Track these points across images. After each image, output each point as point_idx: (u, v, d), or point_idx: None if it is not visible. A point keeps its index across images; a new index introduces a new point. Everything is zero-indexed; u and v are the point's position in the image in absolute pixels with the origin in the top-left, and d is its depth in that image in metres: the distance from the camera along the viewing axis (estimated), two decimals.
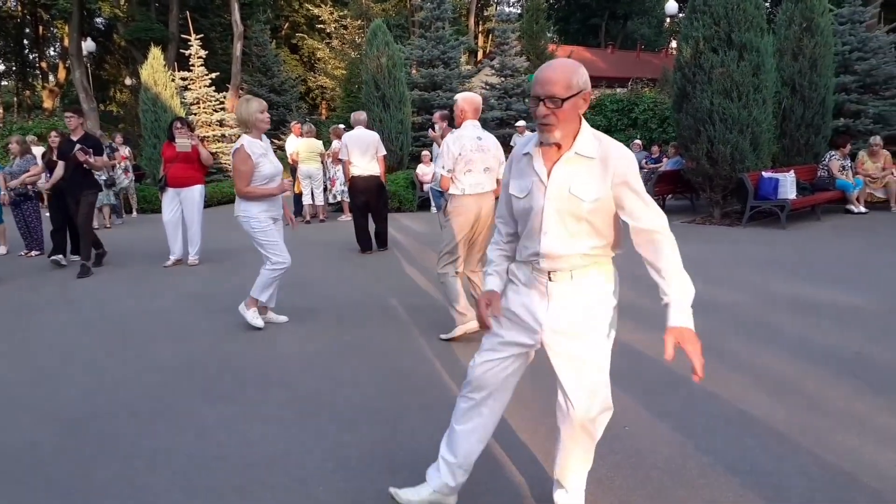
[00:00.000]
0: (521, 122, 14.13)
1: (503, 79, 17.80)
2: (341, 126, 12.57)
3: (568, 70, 1.97)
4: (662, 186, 11.26)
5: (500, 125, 17.10)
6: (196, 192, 7.83)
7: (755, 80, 9.31)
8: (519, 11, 30.97)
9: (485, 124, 16.47)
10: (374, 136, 8.13)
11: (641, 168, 13.70)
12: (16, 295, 6.67)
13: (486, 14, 41.08)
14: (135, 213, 14.16)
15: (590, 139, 2.02)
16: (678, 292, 1.95)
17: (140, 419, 3.42)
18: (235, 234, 10.08)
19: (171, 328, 5.17)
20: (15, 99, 39.51)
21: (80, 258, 7.60)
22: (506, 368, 2.22)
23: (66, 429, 3.34)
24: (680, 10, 25.05)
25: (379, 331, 4.86)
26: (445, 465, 2.34)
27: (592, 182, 1.98)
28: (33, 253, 9.05)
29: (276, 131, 24.60)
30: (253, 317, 4.99)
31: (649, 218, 2.03)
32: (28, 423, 3.44)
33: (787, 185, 9.28)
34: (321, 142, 12.09)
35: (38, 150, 12.95)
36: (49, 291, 6.77)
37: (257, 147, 4.78)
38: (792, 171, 9.57)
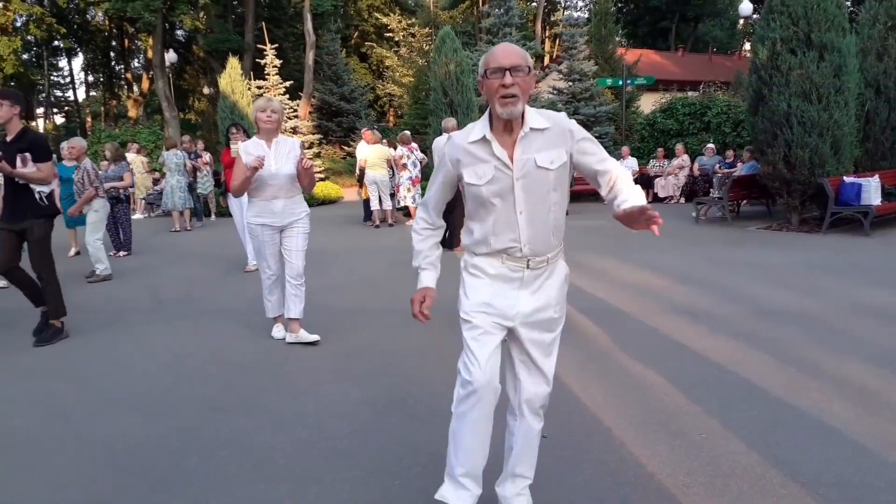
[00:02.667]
0: (408, 132, 14.01)
1: (571, 83, 17.69)
2: (407, 133, 12.76)
3: (521, 49, 2.04)
4: (737, 192, 10.96)
5: None
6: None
7: (836, 81, 8.97)
8: (587, 16, 30.69)
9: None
10: (437, 143, 8.40)
11: (715, 173, 13.36)
12: (102, 292, 7.06)
13: (552, 19, 40.87)
14: (213, 216, 14.73)
15: (535, 114, 2.10)
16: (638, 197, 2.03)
17: (221, 412, 3.59)
18: (316, 237, 10.39)
19: (249, 326, 5.37)
20: (102, 108, 41.69)
21: (46, 313, 5.28)
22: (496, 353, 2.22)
23: (150, 421, 3.53)
24: (755, 10, 24.28)
25: (449, 331, 4.93)
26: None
27: (553, 149, 2.07)
28: (121, 253, 9.56)
29: (346, 138, 25.16)
30: (277, 332, 5.02)
31: (611, 161, 2.14)
32: (115, 415, 3.65)
33: (871, 190, 8.89)
34: (389, 148, 12.30)
35: (131, 157, 13.65)
36: (134, 288, 7.14)
37: (252, 147, 4.60)
38: (876, 176, 9.16)
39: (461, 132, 2.16)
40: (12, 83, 29.99)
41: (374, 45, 33.88)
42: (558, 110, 11.76)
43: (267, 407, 3.62)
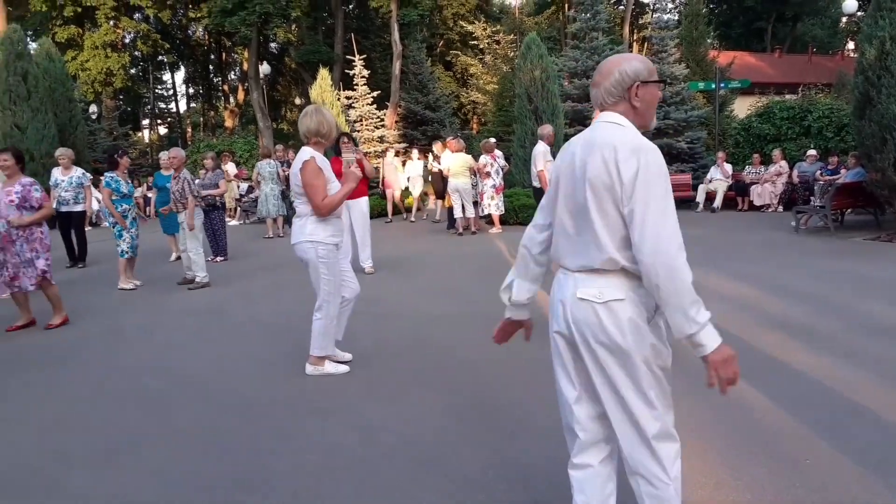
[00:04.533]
0: (492, 140, 13.54)
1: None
2: (492, 140, 12.76)
3: None
4: (841, 200, 10.35)
5: (657, 134, 16.56)
6: (363, 203, 8.26)
7: None
8: (677, 18, 29.89)
9: (642, 133, 15.99)
10: (535, 150, 8.51)
11: (816, 180, 12.68)
12: (200, 297, 7.40)
13: (641, 22, 39.99)
14: None
15: None
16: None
17: (312, 416, 3.68)
18: (400, 244, 10.57)
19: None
20: (201, 119, 43.92)
21: None
22: None
23: (243, 418, 3.66)
24: (860, 8, 22.94)
25: (537, 343, 4.86)
26: None
27: None
28: (218, 259, 10.01)
29: (430, 146, 25.43)
30: (333, 368, 4.43)
31: None
32: (214, 413, 3.81)
33: None
34: (470, 156, 12.34)
35: (228, 167, 14.29)
36: (230, 293, 7.45)
37: (322, 160, 4.23)
38: None
39: (640, 137, 1.92)
40: (121, 96, 32.06)
41: (459, 52, 34.14)
42: None
43: (355, 412, 3.69)
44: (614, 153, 1.82)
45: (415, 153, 15.66)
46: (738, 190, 14.50)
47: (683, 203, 15.15)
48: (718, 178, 14.69)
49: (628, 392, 1.88)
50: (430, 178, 14.56)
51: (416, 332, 5.36)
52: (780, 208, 13.80)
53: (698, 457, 2.93)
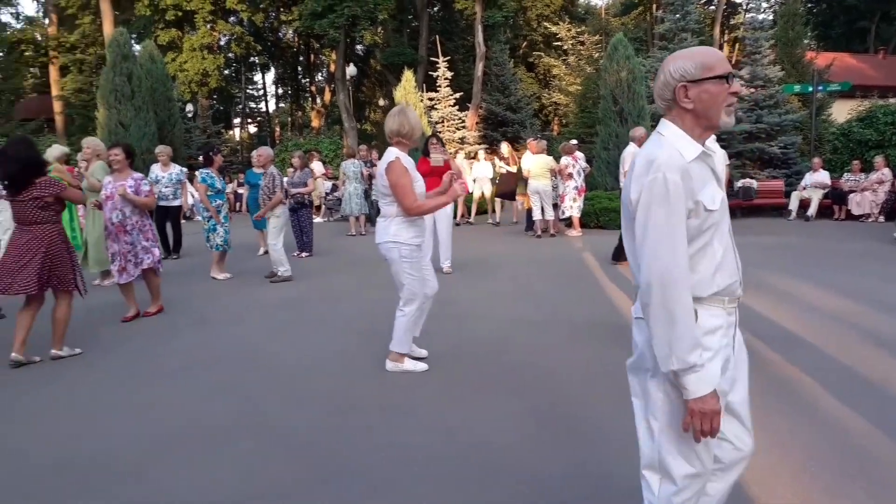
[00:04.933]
0: (574, 141, 13.09)
1: (753, 90, 16.57)
2: (573, 142, 12.61)
3: None
4: None
5: (749, 139, 15.94)
6: (448, 206, 8.33)
7: None
8: (772, 18, 28.64)
9: (732, 138, 15.46)
10: (625, 152, 8.55)
11: None
12: (284, 291, 7.64)
13: (732, 22, 38.56)
14: None
15: None
16: None
17: (391, 413, 3.74)
18: (477, 245, 10.60)
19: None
20: (290, 119, 45.36)
21: None
22: None
23: (325, 411, 3.76)
24: None
25: (613, 345, 4.79)
26: None
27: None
28: (304, 254, 10.32)
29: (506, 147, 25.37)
30: (412, 366, 4.49)
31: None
32: (292, 402, 3.94)
33: None
34: (552, 158, 12.23)
35: (315, 165, 14.71)
36: (314, 288, 7.66)
37: (407, 160, 4.27)
38: None
39: (663, 151, 1.75)
40: (215, 96, 33.50)
41: (542, 54, 33.90)
42: (738, 119, 11.16)
43: (433, 412, 3.73)
44: (633, 170, 1.79)
45: (481, 154, 15.62)
46: (836, 198, 13.76)
47: (774, 211, 14.52)
48: (814, 184, 14.00)
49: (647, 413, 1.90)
50: (497, 180, 14.50)
51: (493, 334, 5.36)
52: (882, 218, 13.02)
53: (791, 476, 2.81)
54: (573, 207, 11.68)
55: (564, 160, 11.69)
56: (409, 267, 4.30)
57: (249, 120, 47.36)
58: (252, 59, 37.81)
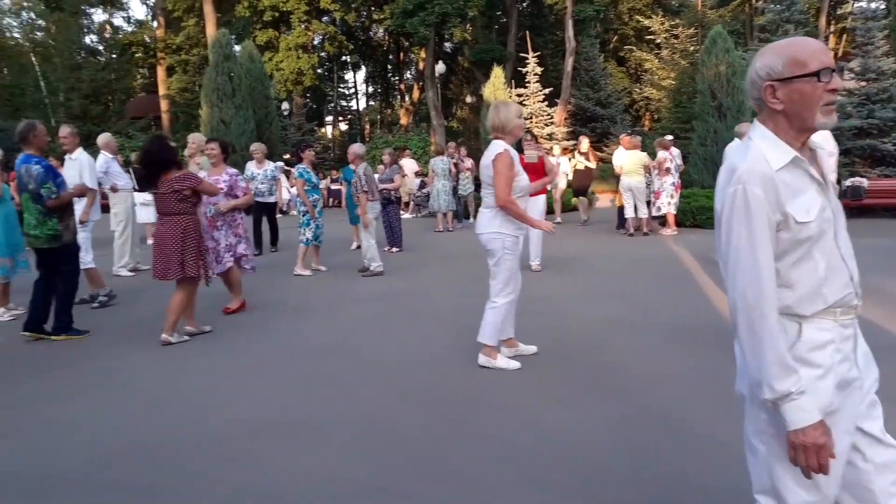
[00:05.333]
0: (669, 137, 12.29)
1: (865, 83, 15.57)
2: (668, 137, 12.22)
3: None
4: None
5: (858, 135, 14.99)
6: (541, 201, 8.23)
7: None
8: (885, 6, 26.80)
9: (841, 134, 14.60)
10: (729, 149, 7.99)
11: None
12: (374, 283, 7.78)
13: (839, 12, 36.31)
14: (472, 218, 15.50)
15: None
16: None
17: (485, 410, 3.73)
18: (566, 243, 10.47)
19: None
20: (378, 116, 46.19)
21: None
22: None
23: (419, 405, 3.79)
24: None
25: (713, 349, 4.61)
26: None
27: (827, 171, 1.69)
28: (394, 249, 10.51)
29: (600, 143, 24.92)
30: (505, 363, 4.47)
31: None
32: (387, 395, 4.00)
33: None
34: (645, 154, 11.91)
35: (404, 162, 14.93)
36: (405, 283, 7.77)
37: (514, 153, 4.33)
38: None
39: (746, 159, 1.61)
40: (308, 94, 34.50)
41: (634, 48, 33.01)
42: (847, 114, 10.48)
43: (528, 411, 3.70)
44: (719, 177, 1.67)
45: (556, 149, 15.31)
46: None
47: (886, 211, 13.60)
48: None
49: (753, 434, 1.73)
50: (571, 177, 14.19)
51: (586, 334, 5.27)
52: None
53: None
54: (670, 204, 11.35)
55: (661, 154, 11.36)
56: (511, 259, 4.35)
57: (340, 118, 48.53)
58: (344, 57, 38.67)
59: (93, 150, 7.98)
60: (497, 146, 4.29)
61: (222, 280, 6.41)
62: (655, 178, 11.43)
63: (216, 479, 3.00)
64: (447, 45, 38.19)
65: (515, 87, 20.05)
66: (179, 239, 5.27)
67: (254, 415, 3.77)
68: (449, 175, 13.28)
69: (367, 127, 45.32)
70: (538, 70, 19.28)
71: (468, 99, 36.12)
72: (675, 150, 11.77)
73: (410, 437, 3.40)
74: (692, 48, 26.21)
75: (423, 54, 34.50)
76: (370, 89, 48.47)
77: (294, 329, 5.77)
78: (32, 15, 36.55)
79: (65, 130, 7.23)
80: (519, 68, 21.44)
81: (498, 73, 16.28)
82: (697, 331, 5.28)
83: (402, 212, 13.29)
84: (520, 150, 8.17)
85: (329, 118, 45.38)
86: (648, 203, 11.66)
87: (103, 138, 8.42)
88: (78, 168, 7.05)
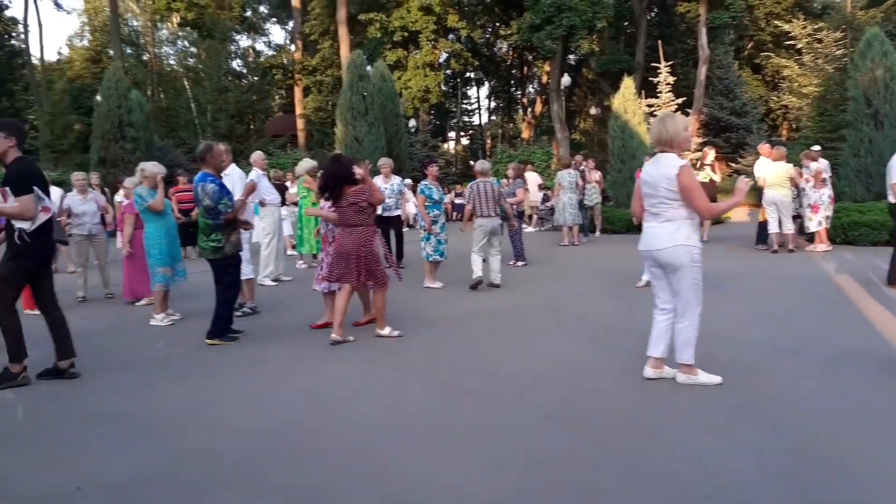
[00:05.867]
0: (816, 147, 11.04)
1: None
2: (815, 148, 11.40)
3: None
4: None
5: None
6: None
7: None
8: None
9: None
10: (892, 162, 7.70)
11: None
12: (501, 297, 7.76)
13: None
14: (598, 232, 15.22)
15: None
16: None
17: (628, 434, 3.58)
18: (721, 261, 9.98)
19: (633, 347, 5.31)
20: (500, 131, 46.49)
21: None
22: None
23: (568, 430, 3.69)
24: None
25: (882, 385, 4.21)
26: None
27: None
28: (519, 263, 10.49)
29: (734, 154, 23.70)
30: (706, 378, 4.34)
31: None
32: (524, 412, 3.92)
33: None
34: (791, 165, 11.16)
35: (528, 176, 14.92)
36: (532, 295, 7.72)
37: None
38: None
39: None
40: (431, 112, 35.29)
41: (771, 54, 31.21)
42: None
43: (677, 437, 3.51)
44: None
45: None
46: None
47: None
48: None
49: None
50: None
51: (736, 358, 4.95)
52: None
53: None
54: (828, 219, 10.64)
55: (818, 164, 10.64)
56: (699, 272, 4.24)
57: (462, 133, 49.25)
58: (468, 74, 39.30)
59: (242, 166, 8.56)
60: (674, 160, 4.18)
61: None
62: (811, 190, 10.63)
63: (374, 486, 3.06)
64: (571, 57, 37.85)
65: (646, 98, 19.50)
66: (362, 247, 5.75)
67: (402, 421, 3.84)
68: (576, 188, 13.09)
69: (489, 141, 45.70)
70: (670, 79, 18.63)
71: (592, 111, 35.54)
72: (823, 162, 10.99)
73: (556, 457, 3.32)
74: (839, 52, 24.42)
75: (547, 67, 34.40)
76: (492, 104, 48.92)
77: (427, 342, 5.82)
78: (185, 43, 39.99)
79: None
80: (650, 78, 20.85)
81: (628, 84, 15.87)
82: (860, 358, 4.85)
83: (525, 226, 13.26)
84: None
85: (452, 134, 46.20)
86: (795, 217, 10.92)
87: (255, 155, 9.03)
88: (231, 183, 7.56)
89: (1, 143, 4.66)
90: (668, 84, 18.51)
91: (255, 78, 35.36)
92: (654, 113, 18.72)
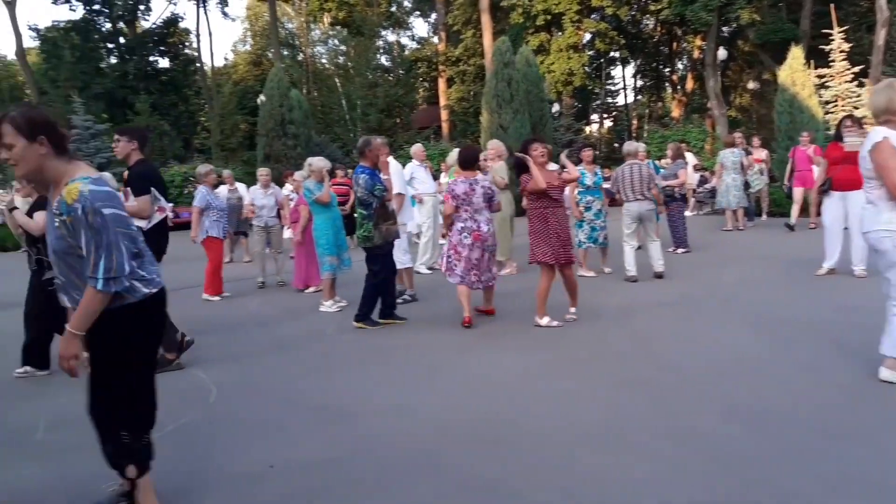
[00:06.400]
0: None
1: None
2: None
3: None
4: None
5: None
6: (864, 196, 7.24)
7: None
8: None
9: None
10: None
11: None
12: (667, 286, 7.44)
13: None
14: (764, 216, 14.19)
15: None
16: None
17: (834, 440, 3.29)
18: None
19: (840, 344, 4.87)
20: (647, 111, 44.64)
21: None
22: None
23: (753, 431, 3.44)
24: None
25: None
26: None
27: None
28: (679, 250, 10.00)
29: None
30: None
31: None
32: (714, 415, 3.68)
33: None
34: None
35: (687, 156, 14.23)
36: (697, 283, 7.33)
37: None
38: None
39: None
40: (575, 94, 34.55)
41: None
42: None
43: (889, 445, 3.20)
44: None
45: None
46: None
47: None
48: None
49: None
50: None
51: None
52: None
53: None
54: None
55: None
56: None
57: (605, 115, 47.81)
58: (612, 53, 38.04)
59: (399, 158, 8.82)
60: (875, 134, 3.85)
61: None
62: None
63: (539, 482, 3.03)
64: (725, 29, 35.48)
65: (815, 68, 17.87)
66: (548, 229, 5.85)
67: (576, 413, 3.78)
68: (740, 168, 12.25)
69: (635, 122, 44.03)
70: (844, 46, 16.91)
71: (750, 85, 33.13)
72: None
73: (743, 459, 3.10)
74: None
75: (698, 42, 32.54)
76: (638, 83, 47.00)
77: (589, 333, 5.69)
78: (336, 41, 41.92)
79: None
80: (819, 46, 19.07)
81: (796, 54, 14.59)
82: None
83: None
84: (839, 137, 7.26)
85: (594, 116, 44.98)
86: None
87: (415, 148, 9.38)
88: (388, 175, 7.82)
89: (125, 146, 5.04)
90: (841, 52, 16.80)
91: (401, 72, 36.37)
92: (827, 84, 17.12)
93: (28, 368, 5.18)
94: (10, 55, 41.12)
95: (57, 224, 2.49)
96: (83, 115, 22.68)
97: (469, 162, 6.24)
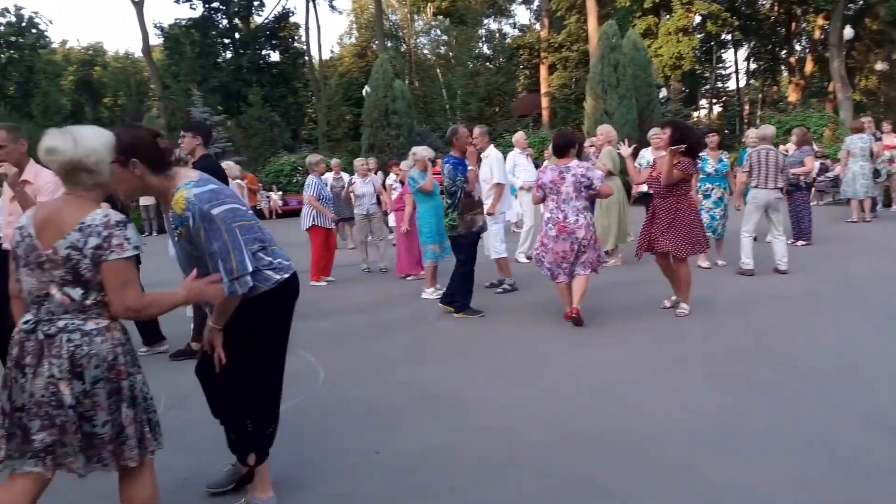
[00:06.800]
0: None
1: None
2: None
3: None
4: None
5: None
6: None
7: None
8: None
9: None
10: None
11: None
12: (788, 281, 6.97)
13: None
14: (893, 206, 13.10)
15: None
16: None
17: None
18: None
19: None
20: (760, 95, 42.19)
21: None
22: None
23: (876, 430, 3.19)
24: None
25: None
26: None
27: None
28: (799, 243, 9.38)
29: None
30: None
31: None
32: (850, 421, 3.42)
33: None
34: None
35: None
36: (821, 277, 6.83)
37: None
38: None
39: None
40: (683, 78, 33.12)
41: None
42: None
43: None
44: None
45: None
46: None
47: None
48: None
49: None
50: None
51: None
52: None
53: None
54: None
55: None
56: None
57: (714, 100, 45.55)
58: (724, 36, 36.16)
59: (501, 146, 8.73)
60: None
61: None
62: None
63: (651, 485, 2.91)
64: (850, 6, 32.92)
65: None
66: (673, 218, 5.71)
67: (679, 417, 3.60)
68: (869, 156, 11.32)
69: (747, 107, 41.74)
70: None
71: (878, 66, 30.67)
72: None
73: (883, 472, 2.85)
74: None
75: (819, 21, 30.40)
76: (752, 67, 44.46)
77: (703, 328, 5.41)
78: (437, 32, 42.17)
79: (477, 131, 7.93)
80: None
81: None
82: None
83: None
84: None
85: (703, 101, 43.00)
86: None
87: (517, 136, 9.26)
88: (488, 165, 7.72)
89: (190, 142, 5.12)
90: None
91: (502, 60, 36.10)
92: None
93: None
94: (137, 52, 43.91)
95: (177, 238, 2.54)
96: (201, 108, 23.90)
97: (561, 149, 5.71)
